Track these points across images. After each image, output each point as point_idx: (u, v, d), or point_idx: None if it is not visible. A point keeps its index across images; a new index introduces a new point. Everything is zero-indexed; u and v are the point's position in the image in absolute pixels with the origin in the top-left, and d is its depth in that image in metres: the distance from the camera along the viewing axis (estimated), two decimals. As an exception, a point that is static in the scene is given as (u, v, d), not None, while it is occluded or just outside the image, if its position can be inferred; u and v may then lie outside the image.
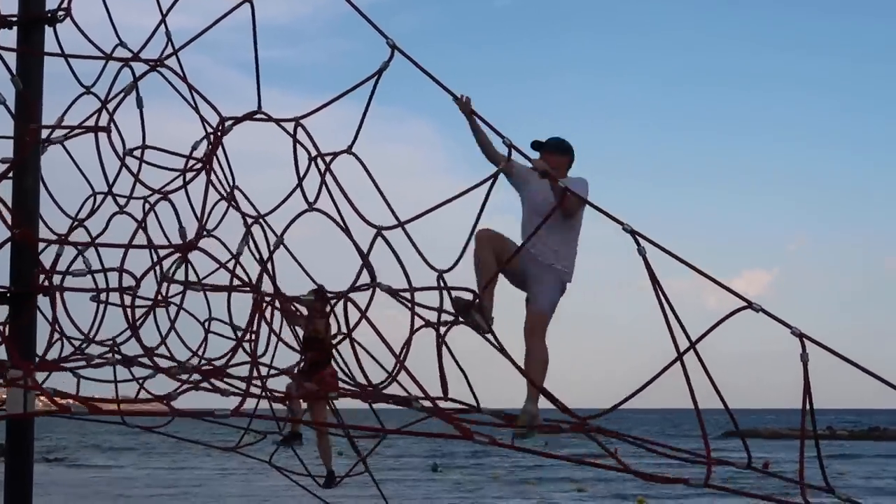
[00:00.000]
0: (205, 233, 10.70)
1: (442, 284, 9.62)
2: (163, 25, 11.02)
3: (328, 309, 11.14)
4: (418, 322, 9.76)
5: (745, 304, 8.87)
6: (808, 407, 8.67)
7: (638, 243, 8.93)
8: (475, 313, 9.50)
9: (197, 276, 10.93)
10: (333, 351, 11.08)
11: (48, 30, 10.55)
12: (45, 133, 10.52)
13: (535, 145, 9.72)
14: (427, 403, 9.22)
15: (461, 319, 9.59)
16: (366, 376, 10.11)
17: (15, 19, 10.47)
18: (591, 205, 9.19)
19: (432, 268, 9.70)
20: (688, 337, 8.92)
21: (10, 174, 10.03)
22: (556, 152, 9.73)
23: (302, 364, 11.62)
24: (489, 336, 9.57)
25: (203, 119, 11.07)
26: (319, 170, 10.56)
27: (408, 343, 9.65)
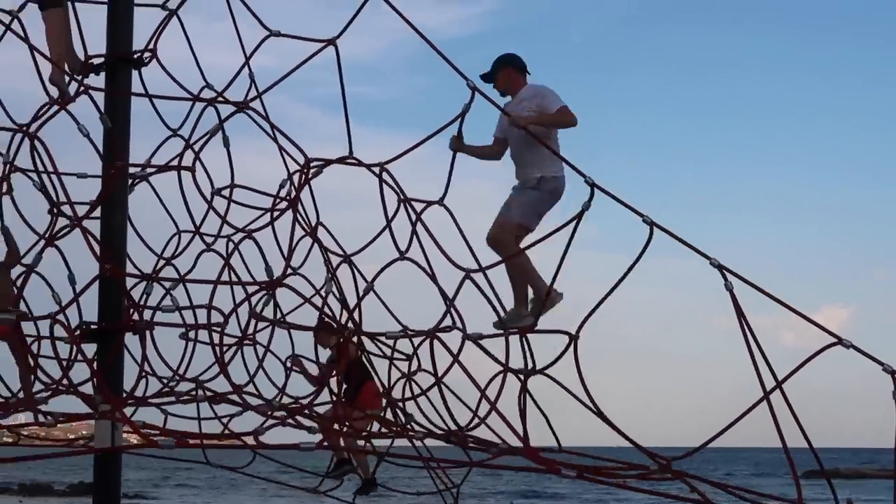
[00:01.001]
0: (290, 271, 10.76)
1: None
2: (246, 67, 11.14)
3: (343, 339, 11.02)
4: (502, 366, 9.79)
5: (835, 340, 8.75)
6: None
7: (725, 278, 8.86)
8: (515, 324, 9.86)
9: (282, 314, 11.00)
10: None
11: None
12: (131, 171, 10.70)
13: (486, 78, 10.27)
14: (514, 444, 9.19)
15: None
16: (454, 419, 10.11)
17: (102, 60, 10.68)
18: (679, 239, 9.10)
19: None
20: (774, 375, 8.81)
21: (99, 212, 10.16)
22: (504, 69, 10.29)
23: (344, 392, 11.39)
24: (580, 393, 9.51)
25: (288, 158, 11.15)
26: (409, 216, 10.54)
27: (500, 388, 9.67)
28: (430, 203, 10.47)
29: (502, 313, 9.99)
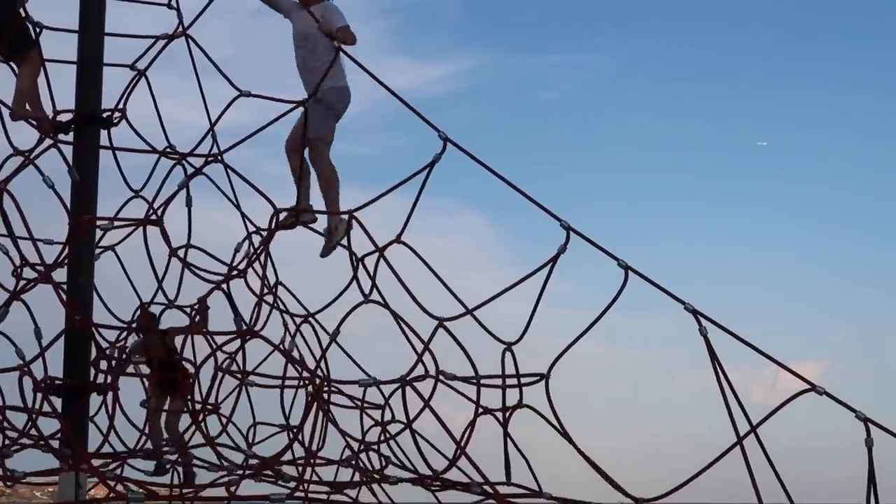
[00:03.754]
0: (253, 329, 10.66)
1: (512, 360, 9.62)
2: (212, 125, 11.13)
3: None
4: (481, 408, 9.73)
5: (808, 386, 8.77)
6: (873, 494, 8.51)
7: (700, 323, 8.89)
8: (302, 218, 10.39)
9: (243, 370, 10.92)
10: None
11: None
12: (98, 225, 10.64)
13: None
14: (488, 489, 9.10)
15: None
16: (427, 464, 10.00)
17: (71, 118, 10.66)
18: (654, 283, 9.14)
19: (500, 341, 9.70)
20: (748, 419, 8.82)
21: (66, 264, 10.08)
22: None
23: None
24: (555, 423, 9.52)
25: (245, 217, 11.18)
26: (366, 267, 10.52)
27: (470, 429, 9.62)
28: (388, 243, 10.40)
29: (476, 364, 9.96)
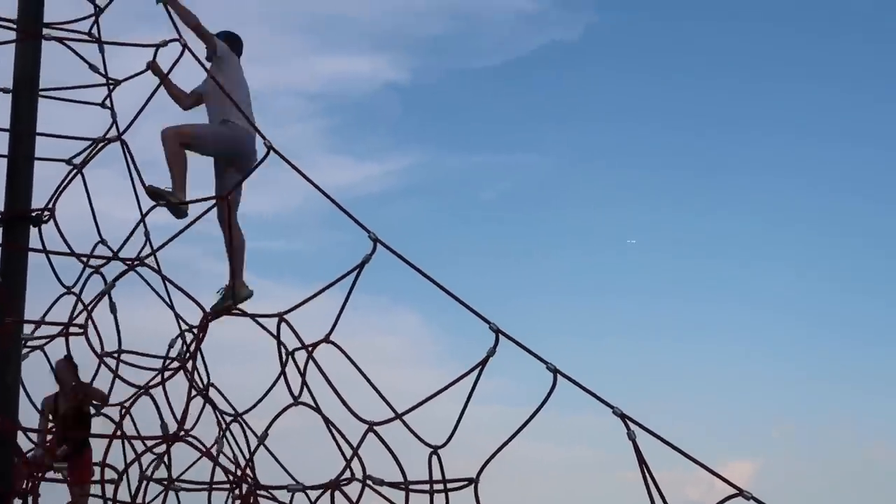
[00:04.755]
0: (182, 432, 10.54)
1: (438, 464, 9.55)
2: (142, 225, 11.10)
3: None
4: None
5: (735, 491, 8.74)
6: None
7: (628, 427, 8.85)
8: (166, 196, 10.47)
9: (170, 475, 10.77)
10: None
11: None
12: (25, 328, 10.53)
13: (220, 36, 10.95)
14: None
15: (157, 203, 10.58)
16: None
17: (-1, 217, 10.60)
18: (582, 388, 9.12)
19: (427, 444, 9.65)
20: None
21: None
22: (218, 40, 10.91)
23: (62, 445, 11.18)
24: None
25: (178, 316, 11.12)
26: (297, 365, 10.44)
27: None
28: (316, 343, 10.33)
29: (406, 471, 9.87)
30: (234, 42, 11.19)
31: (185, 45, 10.57)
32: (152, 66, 11.02)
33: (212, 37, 10.80)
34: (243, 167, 10.70)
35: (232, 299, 10.59)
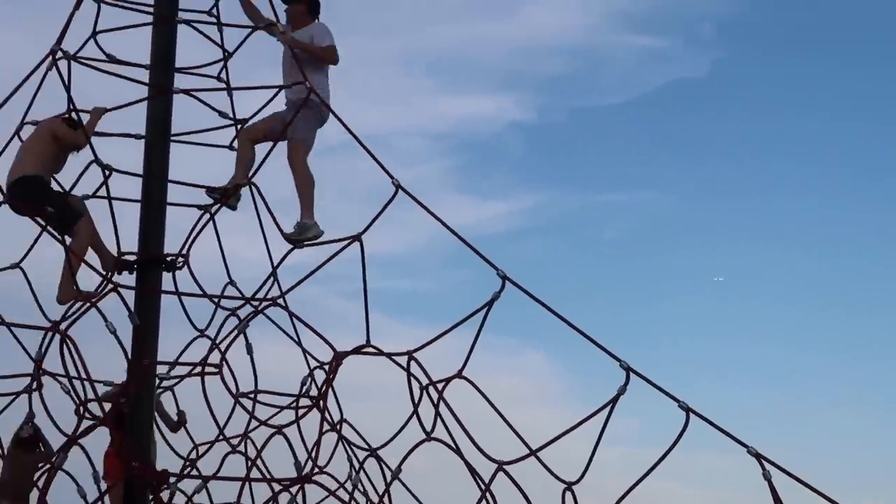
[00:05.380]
0: (316, 469, 10.61)
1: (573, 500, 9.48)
2: (272, 269, 11.22)
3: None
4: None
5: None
6: None
7: (763, 467, 8.70)
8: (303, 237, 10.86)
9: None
10: None
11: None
12: (159, 369, 10.73)
13: (286, 0, 11.44)
14: None
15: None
16: None
17: (134, 259, 10.80)
18: (716, 426, 8.98)
19: (561, 480, 9.63)
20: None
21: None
22: (295, 6, 11.44)
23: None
24: None
25: (308, 355, 11.26)
26: (432, 399, 10.47)
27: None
28: (449, 379, 10.36)
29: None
30: (316, 6, 11.57)
31: (311, 89, 10.73)
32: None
33: (332, 50, 11.17)
34: (322, 117, 11.07)
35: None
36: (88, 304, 10.30)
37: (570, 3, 32.13)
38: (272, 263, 11.19)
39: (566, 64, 31.90)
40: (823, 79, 32.07)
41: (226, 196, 11.07)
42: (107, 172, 10.99)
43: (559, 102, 32.78)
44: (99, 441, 10.46)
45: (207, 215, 11.20)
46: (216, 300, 11.39)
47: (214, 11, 11.80)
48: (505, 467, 9.76)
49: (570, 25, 32.20)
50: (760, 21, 32.43)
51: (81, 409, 10.42)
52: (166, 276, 10.89)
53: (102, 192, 10.97)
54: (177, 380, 11.48)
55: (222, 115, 11.81)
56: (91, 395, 10.27)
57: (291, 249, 10.91)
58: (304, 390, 11.19)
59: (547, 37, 31.96)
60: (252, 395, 11.22)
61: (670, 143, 32.03)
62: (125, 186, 11.12)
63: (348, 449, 11.16)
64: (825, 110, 32.17)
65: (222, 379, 10.72)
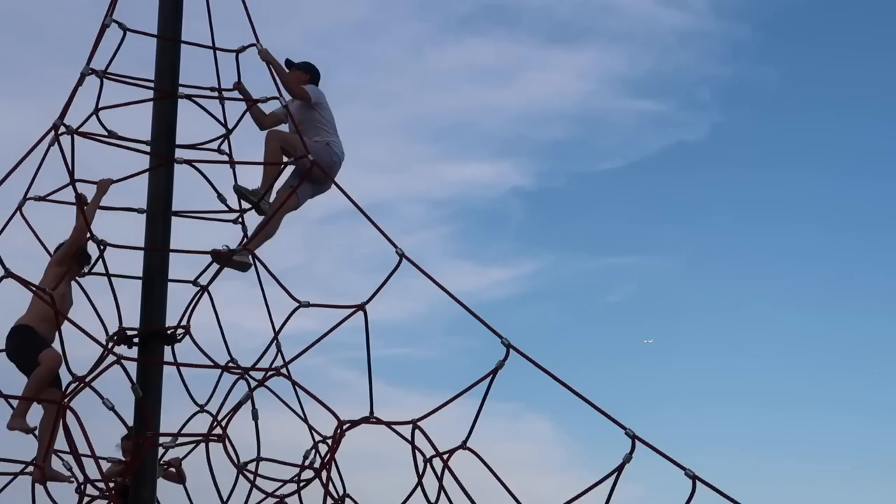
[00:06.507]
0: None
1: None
2: (274, 337, 11.21)
3: None
4: None
5: None
6: None
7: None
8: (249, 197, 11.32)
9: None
10: None
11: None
12: (161, 444, 10.67)
13: (287, 64, 11.72)
14: None
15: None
16: None
17: (135, 333, 10.77)
18: (723, 494, 8.94)
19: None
20: None
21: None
22: (296, 70, 11.81)
23: None
24: None
25: (312, 428, 11.19)
26: (435, 471, 10.40)
27: None
28: (453, 450, 10.29)
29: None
30: (315, 75, 11.96)
31: (314, 161, 10.84)
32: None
33: (305, 91, 11.52)
34: (322, 181, 11.30)
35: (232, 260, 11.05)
36: (81, 384, 10.18)
37: (568, 70, 32.35)
38: (274, 330, 11.17)
39: (565, 129, 32.10)
40: (825, 137, 32.26)
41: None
42: (101, 248, 11.02)
43: (559, 167, 33.00)
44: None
45: (201, 290, 11.34)
46: (220, 370, 11.30)
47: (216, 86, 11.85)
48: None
49: (568, 92, 32.46)
50: (758, 82, 32.63)
51: (83, 486, 10.38)
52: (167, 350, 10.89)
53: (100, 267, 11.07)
54: (185, 452, 11.39)
55: (221, 198, 11.85)
56: (94, 471, 10.19)
57: (292, 313, 10.87)
58: (307, 462, 11.11)
59: (546, 103, 32.25)
60: (255, 464, 11.14)
61: (670, 206, 32.12)
62: (120, 258, 11.25)
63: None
64: (826, 168, 32.30)
65: (225, 449, 10.69)
